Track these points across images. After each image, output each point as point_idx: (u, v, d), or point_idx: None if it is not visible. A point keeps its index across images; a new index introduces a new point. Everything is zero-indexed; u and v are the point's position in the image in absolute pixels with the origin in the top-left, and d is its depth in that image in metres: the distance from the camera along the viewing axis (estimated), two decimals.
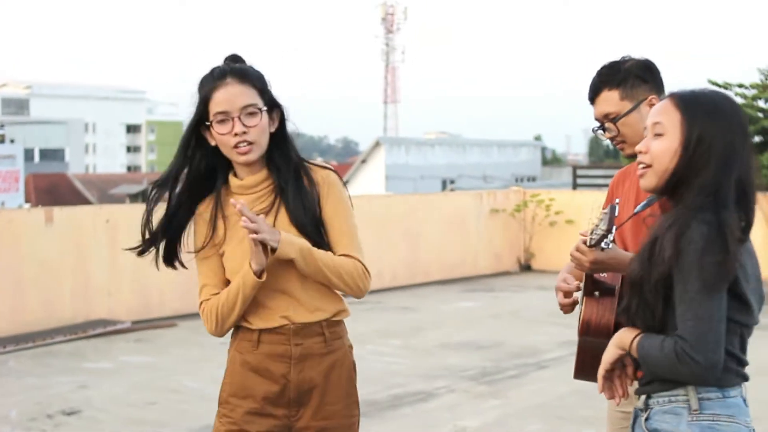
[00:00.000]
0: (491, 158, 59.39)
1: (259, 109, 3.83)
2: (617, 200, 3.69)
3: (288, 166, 3.91)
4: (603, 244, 3.58)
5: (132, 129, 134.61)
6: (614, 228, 3.53)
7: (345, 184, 4.08)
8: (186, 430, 8.44)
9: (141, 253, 4.11)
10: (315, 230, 3.90)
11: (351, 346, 4.09)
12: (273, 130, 3.92)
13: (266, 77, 3.96)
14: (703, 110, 3.22)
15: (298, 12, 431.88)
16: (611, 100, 4.30)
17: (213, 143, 3.89)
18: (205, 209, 3.97)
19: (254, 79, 3.87)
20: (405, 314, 14.57)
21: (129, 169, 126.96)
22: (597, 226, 3.62)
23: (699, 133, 3.18)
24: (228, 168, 3.97)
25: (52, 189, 65.51)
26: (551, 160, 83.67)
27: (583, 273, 4.05)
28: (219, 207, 3.94)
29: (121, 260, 13.47)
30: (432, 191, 45.38)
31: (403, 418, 8.80)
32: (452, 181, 54.38)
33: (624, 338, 3.24)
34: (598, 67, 4.40)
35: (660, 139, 3.25)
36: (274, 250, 3.76)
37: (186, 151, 3.94)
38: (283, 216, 3.87)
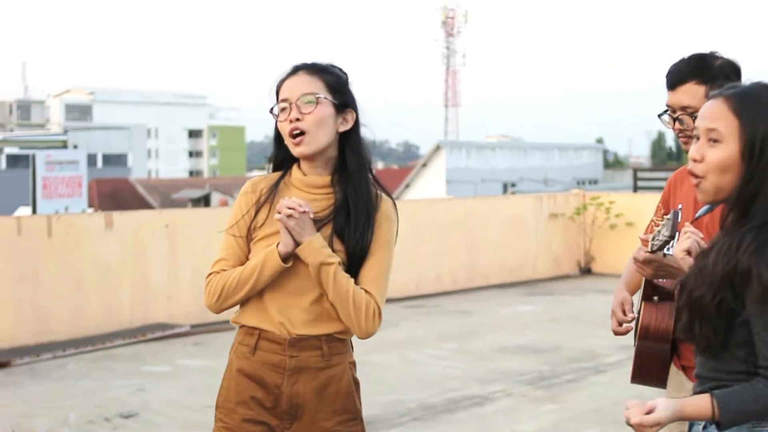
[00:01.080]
0: (552, 161, 59.08)
1: (317, 99, 3.77)
2: (680, 206, 3.67)
3: (360, 181, 3.85)
4: (666, 250, 3.55)
5: (194, 134, 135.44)
6: (677, 234, 3.48)
7: (396, 214, 4.03)
8: None
9: None
10: (355, 256, 3.82)
11: (353, 363, 3.98)
12: (344, 129, 3.86)
13: (346, 79, 3.92)
14: (762, 112, 3.04)
15: (360, 17, 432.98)
16: (696, 94, 4.17)
17: None
18: (254, 190, 3.91)
19: (327, 75, 3.85)
20: (463, 318, 14.53)
21: (191, 173, 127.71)
22: (659, 231, 3.58)
23: (761, 138, 3.01)
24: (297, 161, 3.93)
25: (115, 194, 66.05)
26: (613, 163, 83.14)
27: (642, 278, 4.02)
28: (272, 193, 3.87)
29: (181, 264, 13.57)
30: (493, 195, 45.27)
31: (458, 422, 8.77)
32: (513, 185, 54.19)
33: (698, 409, 3.03)
34: (686, 56, 4.30)
35: (716, 146, 3.07)
36: (298, 245, 3.72)
37: (276, 142, 3.93)
38: (329, 228, 3.81)
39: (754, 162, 3.01)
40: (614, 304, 4.32)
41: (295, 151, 3.81)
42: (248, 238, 3.88)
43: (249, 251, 3.87)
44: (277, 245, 3.74)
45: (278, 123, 3.85)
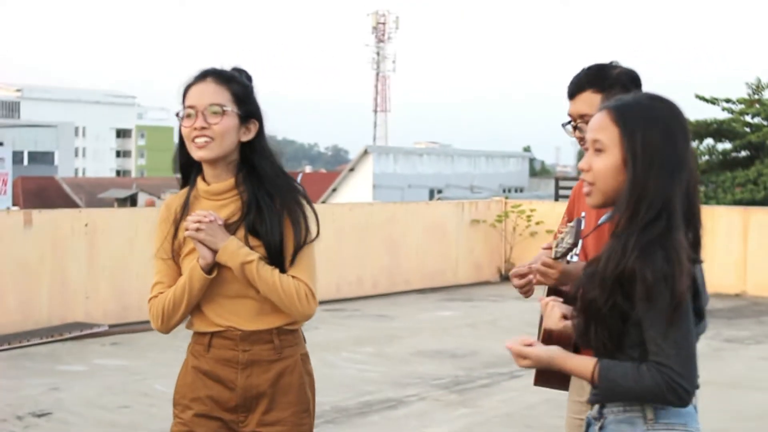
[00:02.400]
0: (479, 168, 59.39)
1: (224, 110, 3.85)
2: (583, 214, 3.75)
3: (260, 180, 3.93)
4: (569, 257, 3.64)
5: (122, 133, 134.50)
6: (580, 241, 3.58)
7: (310, 205, 4.08)
8: None
9: None
10: (273, 248, 3.91)
11: (306, 354, 4.09)
12: (246, 139, 3.93)
13: (252, 88, 4.01)
14: (640, 120, 3.15)
15: (290, 20, 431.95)
16: (593, 102, 4.26)
17: None
18: (168, 210, 4.01)
19: (234, 84, 3.92)
20: (382, 322, 14.61)
21: (118, 173, 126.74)
22: (562, 239, 3.67)
23: (640, 146, 3.12)
24: (201, 171, 4.00)
25: (41, 192, 65.44)
26: (539, 171, 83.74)
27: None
28: (185, 210, 3.96)
29: (100, 263, 13.52)
30: (419, 200, 45.41)
31: (371, 425, 8.84)
32: (440, 191, 54.38)
33: (579, 365, 3.19)
34: (585, 67, 4.42)
35: (601, 155, 3.19)
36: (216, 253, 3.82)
37: (181, 144, 3.99)
38: (242, 228, 3.90)
39: (635, 168, 3.12)
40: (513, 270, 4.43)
41: (197, 154, 3.90)
42: (176, 257, 3.96)
43: (180, 269, 3.96)
44: (198, 260, 3.83)
45: (182, 127, 3.92)
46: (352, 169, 55.83)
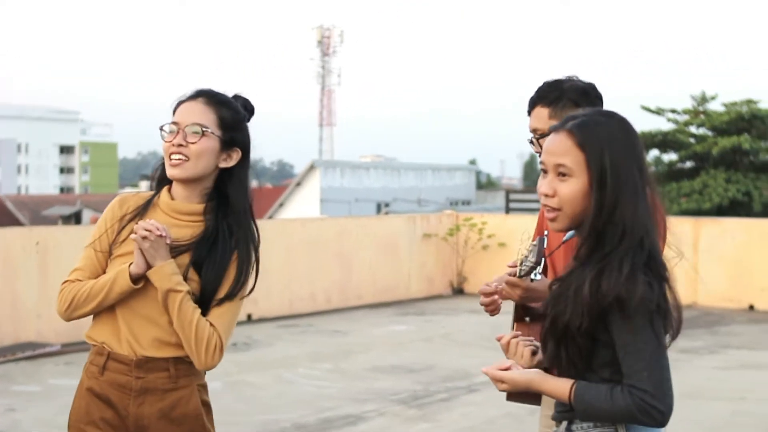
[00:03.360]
0: (426, 182, 59.52)
1: (204, 132, 3.80)
2: (546, 232, 3.76)
3: (227, 211, 3.86)
4: (533, 275, 3.65)
5: (65, 150, 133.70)
6: (543, 260, 3.60)
7: (257, 258, 3.97)
8: None
9: None
10: (207, 291, 3.82)
11: (204, 385, 3.97)
12: (225, 165, 3.88)
13: (243, 117, 3.95)
14: (603, 142, 3.13)
15: (233, 35, 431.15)
16: (542, 117, 4.35)
17: None
18: (121, 206, 3.94)
19: (224, 108, 3.87)
20: (336, 338, 14.57)
21: (62, 190, 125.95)
22: (526, 257, 3.68)
23: (608, 166, 3.10)
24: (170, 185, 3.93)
25: None
26: (486, 184, 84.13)
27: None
28: (139, 213, 3.88)
29: (51, 282, 13.36)
30: (367, 214, 45.40)
31: None
32: (387, 205, 54.45)
33: (553, 390, 3.18)
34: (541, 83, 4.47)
35: (567, 180, 3.15)
36: (150, 268, 3.74)
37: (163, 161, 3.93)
38: (187, 256, 3.82)
39: (603, 192, 3.10)
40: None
41: (170, 172, 3.84)
42: (108, 253, 3.88)
43: (106, 266, 3.89)
44: (130, 265, 3.75)
45: (163, 142, 3.87)
46: (299, 184, 55.76)
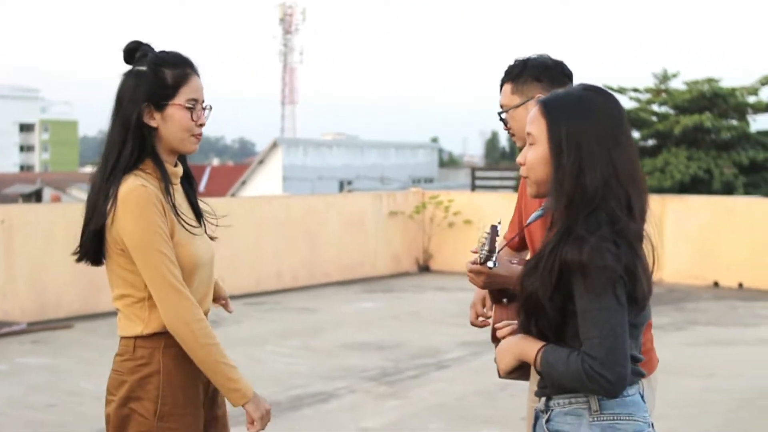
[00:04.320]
0: (389, 160, 59.60)
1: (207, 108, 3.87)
2: (499, 221, 3.80)
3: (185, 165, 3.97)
4: (489, 263, 3.70)
5: (25, 128, 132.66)
6: (497, 248, 3.66)
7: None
8: None
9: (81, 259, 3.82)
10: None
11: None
12: None
13: None
14: (566, 111, 3.20)
15: (195, 11, 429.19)
16: (506, 92, 4.42)
17: (153, 125, 3.75)
18: (159, 206, 3.71)
19: None
20: (305, 315, 14.55)
21: (22, 168, 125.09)
22: (483, 246, 3.74)
23: (565, 136, 3.16)
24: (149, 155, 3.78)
25: None
26: (448, 162, 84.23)
27: None
28: (169, 197, 3.76)
29: (17, 261, 13.28)
30: (329, 192, 45.36)
31: (304, 419, 8.79)
32: (350, 183, 54.50)
33: (526, 351, 3.23)
34: None
35: (533, 148, 3.25)
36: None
37: (127, 131, 3.73)
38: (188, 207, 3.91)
39: (560, 160, 3.17)
40: (475, 297, 4.49)
41: (191, 147, 3.83)
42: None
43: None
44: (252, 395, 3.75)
45: (181, 118, 3.76)
46: (261, 162, 55.70)
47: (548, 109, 3.21)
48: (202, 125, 3.82)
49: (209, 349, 3.65)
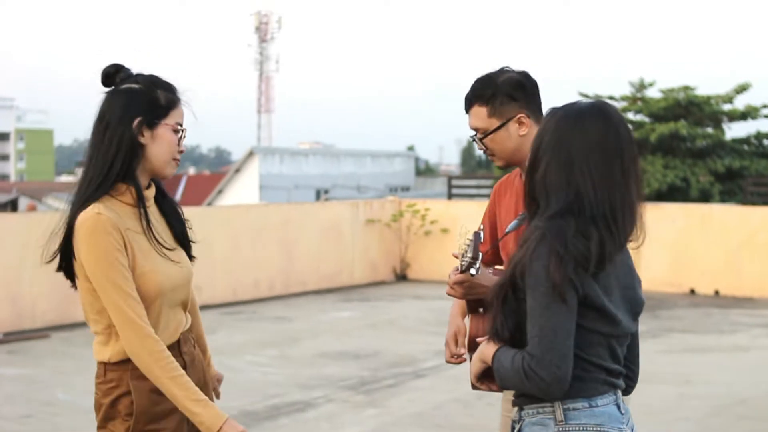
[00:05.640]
0: (365, 168, 59.52)
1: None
2: (481, 227, 3.78)
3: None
4: (472, 270, 3.69)
5: (0, 137, 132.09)
6: (480, 255, 3.65)
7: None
8: None
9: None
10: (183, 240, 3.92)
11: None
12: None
13: None
14: (557, 115, 3.23)
15: (169, 20, 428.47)
16: (481, 116, 4.31)
17: (143, 142, 3.72)
18: (130, 219, 3.71)
19: None
20: (281, 324, 14.53)
21: None
22: (465, 253, 3.72)
23: (542, 144, 3.21)
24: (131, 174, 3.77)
25: None
26: (424, 170, 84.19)
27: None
28: (146, 219, 3.75)
29: None
30: (306, 201, 45.32)
31: (281, 428, 8.78)
32: (326, 191, 54.39)
33: (486, 352, 3.26)
34: (474, 79, 4.41)
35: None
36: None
37: (119, 149, 3.69)
38: (167, 228, 3.88)
39: (534, 165, 3.24)
40: (448, 335, 4.48)
41: (170, 171, 3.83)
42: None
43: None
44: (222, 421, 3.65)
45: (169, 140, 3.78)
46: (238, 171, 55.55)
47: (547, 113, 3.29)
48: (182, 152, 3.85)
49: (170, 383, 3.60)
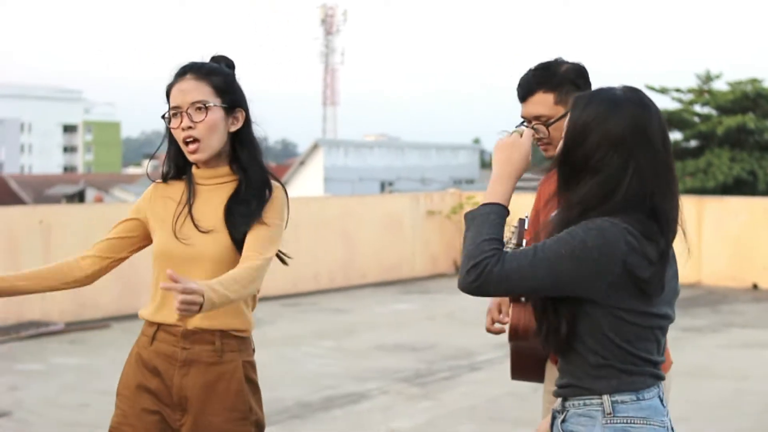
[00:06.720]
0: (430, 161, 59.50)
1: (207, 106, 3.81)
2: (526, 214, 3.78)
3: (253, 176, 3.90)
4: None
5: (69, 129, 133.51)
6: (524, 242, 3.64)
7: (284, 193, 4.03)
8: None
9: None
10: (237, 242, 3.87)
11: (251, 363, 3.95)
12: (234, 129, 3.91)
13: (233, 77, 3.96)
14: (589, 101, 3.19)
15: (237, 14, 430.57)
16: (546, 103, 4.29)
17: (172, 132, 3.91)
18: (174, 192, 3.98)
19: (214, 77, 3.87)
20: (340, 316, 14.59)
21: (65, 169, 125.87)
22: (509, 240, 3.72)
23: (575, 122, 3.18)
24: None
25: None
26: (490, 163, 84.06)
27: None
28: (191, 196, 3.93)
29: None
30: (370, 193, 45.39)
31: (334, 420, 8.81)
32: (391, 184, 54.49)
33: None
34: (532, 67, 4.39)
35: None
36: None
37: (173, 146, 3.94)
38: (221, 209, 3.87)
39: (565, 145, 3.23)
40: (491, 303, 4.45)
41: (192, 158, 3.87)
42: (141, 224, 4.04)
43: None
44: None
45: (172, 129, 3.88)
46: (302, 163, 55.76)
47: (578, 98, 3.25)
48: (183, 129, 3.84)
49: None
